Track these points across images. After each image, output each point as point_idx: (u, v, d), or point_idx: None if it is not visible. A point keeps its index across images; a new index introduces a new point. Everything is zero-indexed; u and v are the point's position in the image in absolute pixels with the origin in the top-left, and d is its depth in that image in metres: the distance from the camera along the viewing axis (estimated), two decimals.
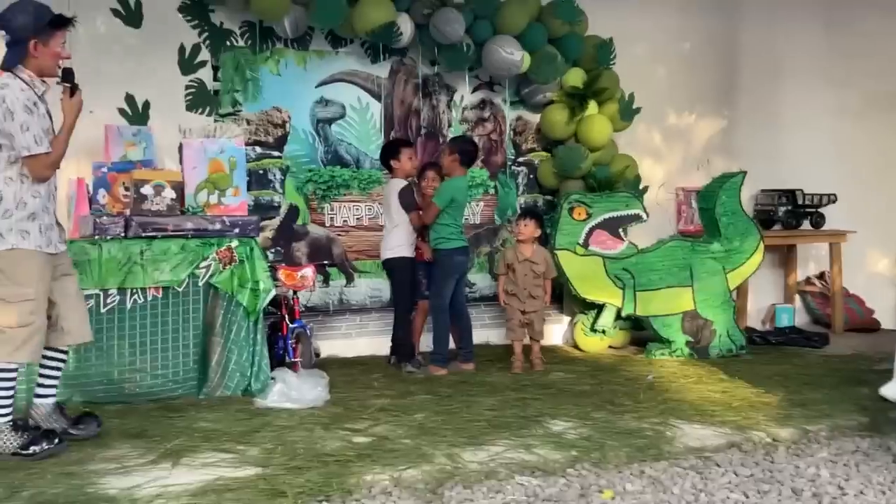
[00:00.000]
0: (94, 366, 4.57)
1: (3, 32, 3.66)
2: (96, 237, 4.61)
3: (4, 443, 3.70)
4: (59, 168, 3.84)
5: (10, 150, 3.65)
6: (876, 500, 3.30)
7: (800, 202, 7.21)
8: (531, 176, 6.76)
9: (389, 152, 5.79)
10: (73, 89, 3.81)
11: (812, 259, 7.81)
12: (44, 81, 3.78)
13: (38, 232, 3.72)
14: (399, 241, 5.68)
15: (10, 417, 3.74)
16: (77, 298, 3.97)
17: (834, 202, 7.31)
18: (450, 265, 5.59)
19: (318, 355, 5.46)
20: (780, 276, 7.64)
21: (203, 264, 4.72)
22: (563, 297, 6.76)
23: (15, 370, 3.73)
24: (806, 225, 7.33)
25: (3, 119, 3.59)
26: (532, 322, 5.73)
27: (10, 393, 3.74)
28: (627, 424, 4.21)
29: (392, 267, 5.75)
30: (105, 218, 4.67)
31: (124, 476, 3.44)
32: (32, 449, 3.67)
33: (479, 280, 6.61)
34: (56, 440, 3.74)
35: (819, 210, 7.31)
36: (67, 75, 3.83)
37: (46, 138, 3.68)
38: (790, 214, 7.22)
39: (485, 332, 6.45)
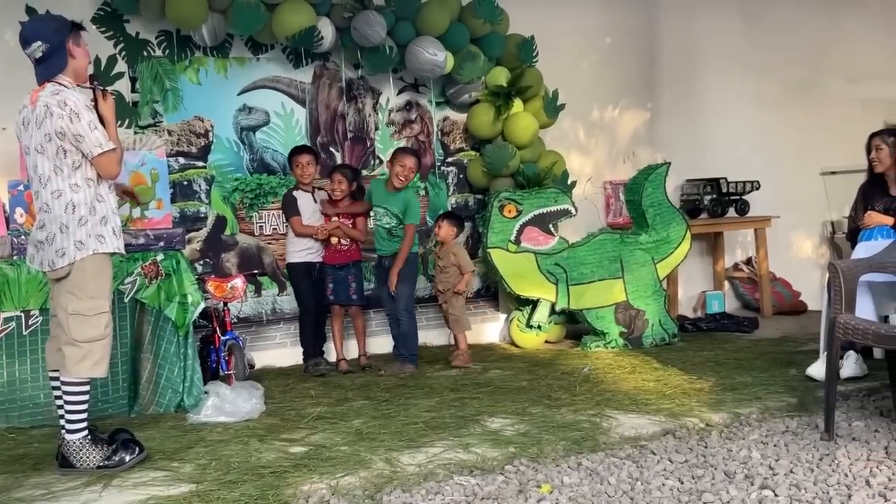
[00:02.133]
0: (19, 390, 4.44)
1: (38, 43, 3.66)
2: (15, 257, 4.48)
3: (87, 457, 3.65)
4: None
5: (74, 154, 3.62)
6: (805, 477, 3.38)
7: (724, 190, 7.36)
8: (461, 176, 6.78)
9: (288, 161, 5.90)
10: (105, 91, 3.84)
11: (739, 245, 7.98)
12: (80, 86, 3.79)
13: (113, 234, 3.73)
14: (290, 248, 5.81)
15: (86, 432, 3.69)
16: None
17: (758, 189, 7.48)
18: (415, 268, 5.84)
19: (252, 367, 5.38)
20: (709, 264, 7.79)
21: (128, 280, 4.61)
22: (497, 294, 6.79)
23: (89, 383, 3.71)
24: (731, 212, 7.48)
25: (70, 122, 3.57)
26: (448, 317, 5.94)
27: (86, 407, 3.71)
28: (564, 418, 4.24)
29: (288, 272, 5.88)
30: (23, 237, 4.53)
31: (52, 502, 3.34)
32: (121, 457, 3.67)
33: None
34: (138, 449, 3.74)
35: (743, 197, 7.48)
36: (95, 79, 3.92)
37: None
38: (715, 203, 7.36)
39: (423, 334, 6.41)
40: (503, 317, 6.74)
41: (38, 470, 3.74)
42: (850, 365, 4.78)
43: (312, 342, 5.79)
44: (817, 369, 4.70)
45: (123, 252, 3.85)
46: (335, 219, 5.72)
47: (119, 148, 3.75)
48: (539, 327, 6.30)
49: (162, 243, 4.75)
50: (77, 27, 3.79)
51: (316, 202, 5.80)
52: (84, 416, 3.70)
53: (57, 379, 3.75)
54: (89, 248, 3.62)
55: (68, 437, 3.67)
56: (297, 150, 5.80)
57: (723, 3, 7.81)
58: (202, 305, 4.76)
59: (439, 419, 4.32)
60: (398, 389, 5.08)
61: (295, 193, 5.76)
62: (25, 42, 3.72)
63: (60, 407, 3.75)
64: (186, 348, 4.72)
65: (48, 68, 3.71)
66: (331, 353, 5.90)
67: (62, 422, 3.72)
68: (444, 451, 3.77)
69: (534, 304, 6.29)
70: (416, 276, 5.91)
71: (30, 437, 4.22)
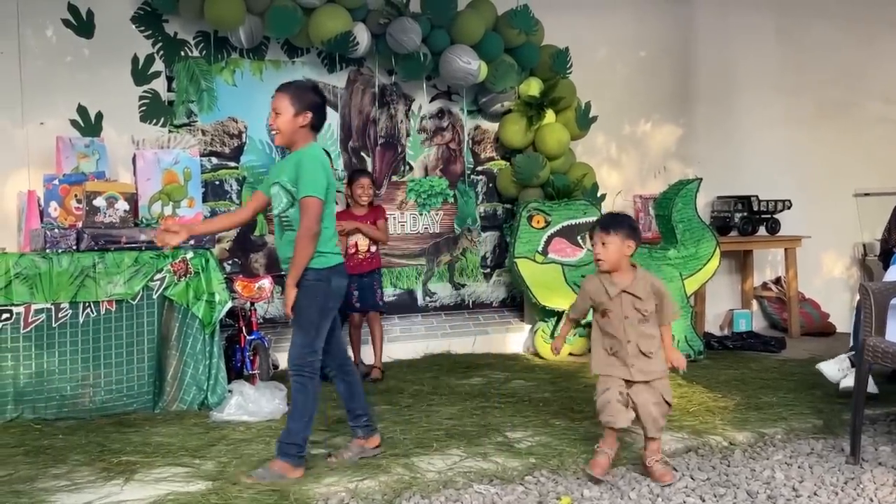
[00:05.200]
0: (46, 381, 4.49)
1: None
2: (48, 250, 4.54)
3: None
4: None
5: None
6: (829, 500, 3.34)
7: (755, 208, 7.30)
8: (490, 185, 6.78)
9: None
10: None
11: (768, 264, 7.91)
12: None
13: None
14: None
15: None
16: None
17: (789, 208, 7.41)
18: (327, 287, 3.68)
19: (276, 367, 5.41)
20: (737, 282, 7.72)
21: (157, 276, 4.66)
22: (523, 304, 6.78)
23: None
24: (762, 231, 7.42)
25: None
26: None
27: None
28: (586, 431, 4.21)
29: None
30: (57, 231, 4.60)
31: (75, 493, 3.38)
32: None
33: (439, 289, 6.61)
34: None
35: (774, 216, 7.41)
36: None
37: None
38: (746, 220, 7.30)
39: (446, 341, 6.45)
40: (528, 327, 6.72)
41: (61, 462, 3.78)
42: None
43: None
44: (829, 367, 4.65)
45: None
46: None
47: None
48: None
49: (192, 241, 4.78)
50: None
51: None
52: None
53: None
54: None
55: None
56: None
57: (758, 22, 7.76)
58: (229, 304, 4.80)
59: (460, 427, 4.31)
60: (421, 396, 5.08)
61: None
62: None
63: None
64: (212, 346, 4.75)
65: None
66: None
67: None
68: (465, 459, 3.77)
69: (559, 315, 6.27)
70: (330, 299, 3.65)
71: (55, 429, 4.26)
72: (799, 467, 3.76)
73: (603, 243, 3.62)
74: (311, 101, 3.67)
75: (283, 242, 3.65)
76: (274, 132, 3.71)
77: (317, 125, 3.72)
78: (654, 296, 3.65)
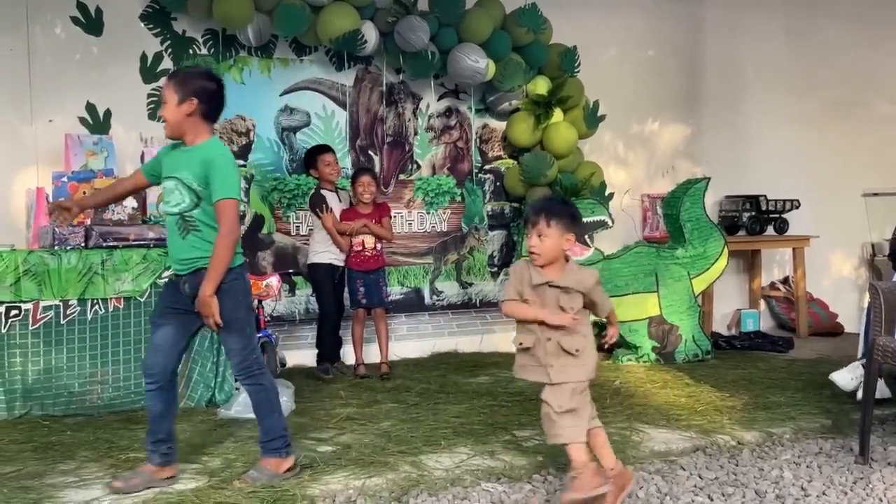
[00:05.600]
0: (55, 378, 4.50)
1: None
2: (56, 247, 4.55)
3: None
4: None
5: None
6: (838, 500, 3.33)
7: (763, 208, 7.29)
8: (497, 183, 6.77)
9: (307, 161, 5.78)
10: None
11: (776, 264, 7.89)
12: None
13: None
14: (315, 248, 5.70)
15: None
16: None
17: (797, 208, 7.39)
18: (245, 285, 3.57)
19: (283, 365, 5.42)
20: (745, 282, 7.70)
21: (165, 274, 4.66)
22: None
23: None
24: (770, 230, 7.40)
25: None
26: None
27: None
28: None
29: (310, 272, 5.80)
30: (67, 227, 4.60)
31: (83, 489, 3.39)
32: None
33: (446, 288, 6.60)
34: None
35: (782, 215, 7.39)
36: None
37: None
38: (754, 220, 7.28)
39: (453, 340, 6.45)
40: None
41: (69, 457, 3.79)
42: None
43: (330, 347, 5.76)
44: (842, 376, 4.63)
45: None
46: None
47: None
48: None
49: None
50: None
51: (341, 202, 5.74)
52: None
53: None
54: None
55: None
56: (322, 149, 5.73)
57: (768, 22, 7.74)
58: None
59: (468, 425, 4.31)
60: (428, 394, 5.08)
61: (322, 192, 5.68)
62: None
63: None
64: (219, 345, 4.76)
65: None
66: (349, 357, 5.85)
67: None
68: (472, 458, 3.76)
69: None
70: (249, 294, 3.60)
71: (63, 426, 4.27)
72: (808, 467, 3.75)
73: (540, 235, 3.15)
74: (199, 87, 3.34)
75: (186, 244, 3.38)
76: (163, 122, 3.44)
77: (208, 114, 3.40)
78: (584, 292, 3.22)
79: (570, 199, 3.44)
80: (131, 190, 3.79)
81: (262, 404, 3.48)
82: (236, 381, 4.74)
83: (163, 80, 3.30)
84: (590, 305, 3.31)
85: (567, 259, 3.26)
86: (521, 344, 3.24)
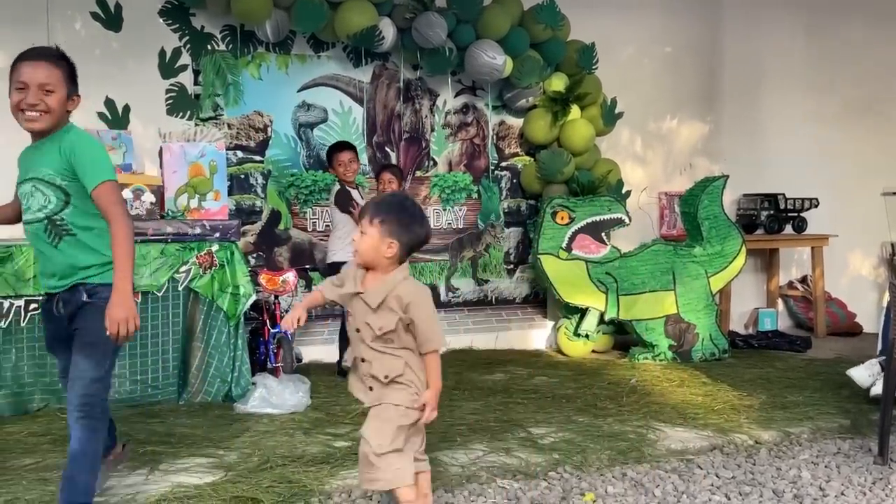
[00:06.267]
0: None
1: None
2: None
3: None
4: None
5: None
6: (857, 501, 3.30)
7: (782, 206, 7.24)
8: (514, 180, 6.76)
9: (327, 158, 5.71)
10: None
11: (794, 263, 7.84)
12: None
13: None
14: (333, 247, 5.62)
15: None
16: None
17: (816, 206, 7.35)
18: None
19: (299, 360, 5.43)
20: (763, 280, 7.66)
21: (183, 269, 4.69)
22: (546, 301, 6.76)
23: None
24: (788, 229, 7.36)
25: None
26: None
27: None
28: (610, 428, 4.19)
29: (329, 272, 5.74)
30: None
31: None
32: None
33: (462, 285, 6.60)
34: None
35: (801, 214, 7.35)
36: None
37: None
38: (772, 219, 7.24)
39: (468, 337, 6.45)
40: (550, 324, 6.70)
41: None
42: None
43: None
44: (859, 372, 4.59)
45: None
46: None
47: None
48: (587, 336, 6.25)
49: (217, 234, 4.81)
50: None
51: (362, 199, 5.73)
52: None
53: None
54: None
55: None
56: (339, 147, 5.63)
57: (788, 19, 7.68)
58: (253, 297, 4.81)
59: (483, 422, 4.31)
60: (443, 391, 5.04)
61: (347, 189, 5.65)
62: None
63: None
64: (237, 339, 4.77)
65: None
66: None
67: None
68: (488, 454, 3.76)
69: (582, 312, 6.24)
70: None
71: None
72: (826, 467, 3.73)
73: (362, 231, 2.79)
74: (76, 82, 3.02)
75: (59, 254, 2.91)
76: (35, 113, 2.86)
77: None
78: (403, 315, 2.74)
79: (413, 205, 2.85)
80: (13, 215, 3.13)
81: (86, 456, 2.84)
82: (254, 375, 4.74)
83: (35, 59, 2.89)
84: (411, 332, 2.77)
85: (391, 270, 2.78)
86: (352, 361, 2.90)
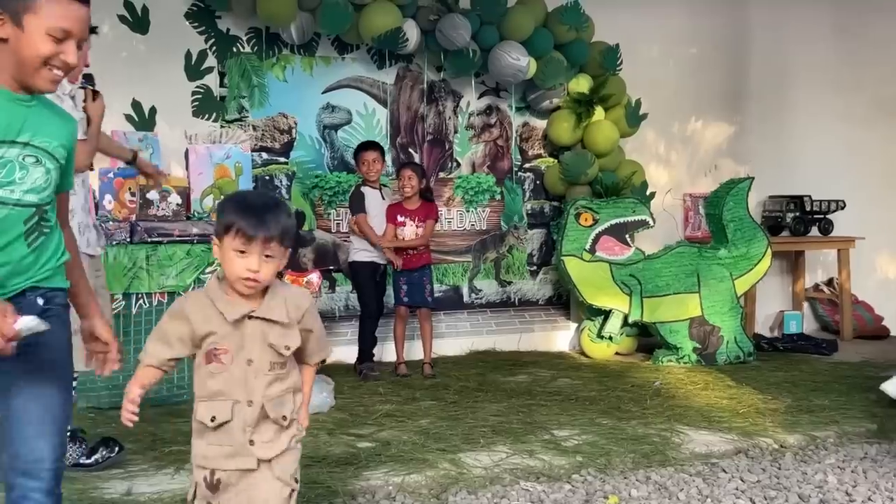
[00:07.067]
0: None
1: None
2: (114, 243, 4.62)
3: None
4: (92, 165, 3.84)
5: None
6: None
7: (808, 208, 7.18)
8: (537, 182, 6.75)
9: (354, 158, 5.80)
10: (95, 94, 3.86)
11: (820, 265, 7.77)
12: (71, 82, 3.82)
13: (77, 231, 3.73)
14: (355, 246, 5.71)
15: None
16: (107, 307, 3.94)
17: (842, 208, 7.28)
18: None
19: (323, 361, 5.43)
20: (789, 283, 7.60)
21: (209, 269, 4.73)
22: (569, 303, 6.74)
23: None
24: (814, 231, 7.29)
25: None
26: None
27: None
28: (634, 430, 4.18)
29: (351, 271, 5.83)
30: (111, 223, 4.68)
31: (128, 480, 3.45)
32: (94, 458, 3.62)
33: (485, 286, 6.60)
34: (117, 448, 3.67)
35: (827, 216, 7.28)
36: (88, 80, 3.93)
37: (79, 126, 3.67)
38: (798, 221, 7.18)
39: (491, 338, 6.45)
40: (574, 326, 6.69)
41: None
42: None
43: (370, 346, 5.75)
44: (893, 386, 4.54)
45: (88, 252, 3.60)
46: (405, 220, 5.67)
47: (90, 140, 3.63)
48: (610, 338, 6.23)
49: None
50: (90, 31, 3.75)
51: (384, 199, 5.73)
52: None
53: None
54: None
55: None
56: (364, 147, 5.69)
57: (814, 18, 7.61)
58: None
59: (506, 424, 4.31)
60: (466, 392, 5.08)
61: (363, 189, 5.67)
62: None
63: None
64: None
65: None
66: (390, 355, 5.87)
67: None
68: (511, 456, 3.76)
69: (606, 314, 6.22)
70: None
71: (108, 418, 4.34)
72: (852, 471, 3.69)
73: (268, 255, 2.23)
74: None
75: (31, 257, 2.16)
76: (60, 72, 2.14)
77: None
78: (302, 325, 2.36)
79: (285, 203, 2.34)
80: None
81: None
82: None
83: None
84: (303, 346, 2.38)
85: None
86: (213, 419, 2.26)
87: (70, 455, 3.53)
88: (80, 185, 3.75)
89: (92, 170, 3.89)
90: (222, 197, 4.91)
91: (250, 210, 2.21)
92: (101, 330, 2.35)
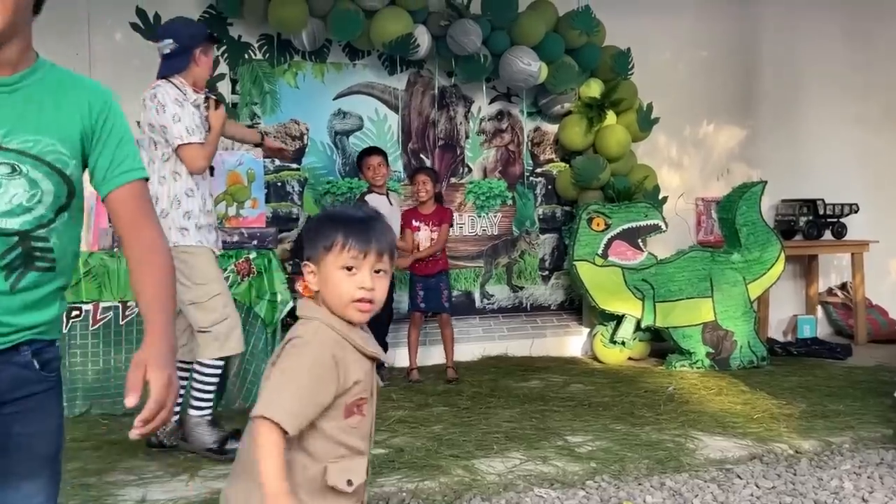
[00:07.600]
0: (114, 378, 4.59)
1: (169, 41, 3.86)
2: (115, 249, 4.64)
3: (202, 436, 3.82)
4: (210, 167, 3.99)
5: (163, 147, 3.79)
6: None
7: (821, 212, 7.15)
8: (549, 187, 6.74)
9: (357, 164, 5.78)
10: (217, 103, 4.00)
11: (834, 269, 7.74)
12: (196, 91, 3.94)
13: (197, 229, 3.82)
14: None
15: (209, 413, 3.86)
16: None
17: (856, 212, 7.24)
18: None
19: None
20: (802, 287, 7.56)
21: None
22: (581, 308, 6.73)
23: (219, 367, 3.88)
24: (827, 235, 7.26)
25: (157, 113, 3.74)
26: None
27: (214, 388, 3.90)
28: (647, 436, 4.17)
29: None
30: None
31: (142, 487, 3.45)
32: (228, 446, 3.74)
33: (497, 291, 6.59)
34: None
35: (841, 220, 7.25)
36: (211, 89, 4.03)
37: (199, 131, 3.81)
38: (811, 224, 7.15)
39: (503, 344, 6.44)
40: (586, 331, 6.68)
41: (128, 456, 3.86)
42: None
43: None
44: None
45: (213, 248, 3.91)
46: (419, 225, 5.67)
47: (209, 145, 3.85)
48: (623, 343, 6.22)
49: (255, 242, 4.86)
50: (212, 39, 4.02)
51: (392, 205, 5.68)
52: (210, 396, 3.88)
53: (184, 370, 3.84)
54: (170, 240, 3.64)
55: (191, 412, 3.86)
56: (366, 152, 5.68)
57: (826, 21, 7.58)
58: (291, 304, 4.84)
59: (519, 430, 4.30)
60: (479, 398, 5.08)
61: (366, 198, 5.63)
62: (160, 37, 3.93)
63: (184, 388, 3.85)
64: (274, 345, 4.81)
65: (168, 66, 3.89)
66: (402, 360, 5.86)
67: (190, 400, 3.87)
68: (524, 463, 3.75)
69: (618, 319, 6.21)
70: None
71: (121, 424, 4.34)
72: (868, 477, 3.67)
73: (379, 269, 1.88)
74: None
75: (14, 300, 1.63)
76: None
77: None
78: None
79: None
80: None
81: None
82: None
83: None
84: None
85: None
86: (349, 482, 1.80)
87: (205, 439, 3.82)
88: (196, 187, 3.85)
89: (213, 174, 4.01)
90: (235, 203, 4.93)
91: (354, 221, 1.85)
92: (152, 377, 1.66)
